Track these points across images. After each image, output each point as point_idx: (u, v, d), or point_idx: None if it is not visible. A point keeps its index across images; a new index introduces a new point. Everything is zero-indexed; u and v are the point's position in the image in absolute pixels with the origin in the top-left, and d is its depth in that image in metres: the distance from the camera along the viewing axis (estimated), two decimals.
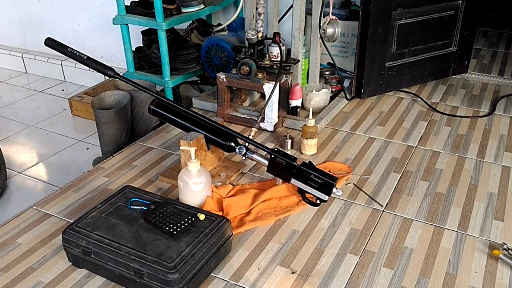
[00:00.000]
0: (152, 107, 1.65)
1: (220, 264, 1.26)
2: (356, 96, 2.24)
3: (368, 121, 2.05)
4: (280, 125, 2.00)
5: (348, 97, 2.21)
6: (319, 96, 2.10)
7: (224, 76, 1.97)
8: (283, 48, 1.95)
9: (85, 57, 1.62)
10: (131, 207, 1.30)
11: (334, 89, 2.29)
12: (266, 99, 1.89)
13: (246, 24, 2.14)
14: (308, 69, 2.24)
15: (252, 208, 1.47)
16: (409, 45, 2.21)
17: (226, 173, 1.63)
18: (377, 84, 2.22)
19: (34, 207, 1.51)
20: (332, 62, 2.20)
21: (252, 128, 1.64)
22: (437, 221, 1.43)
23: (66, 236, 1.22)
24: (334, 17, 1.99)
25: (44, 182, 2.25)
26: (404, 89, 2.32)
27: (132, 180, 1.64)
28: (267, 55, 1.94)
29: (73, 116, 2.91)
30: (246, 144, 1.54)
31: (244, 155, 1.53)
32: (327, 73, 2.37)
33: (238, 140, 1.56)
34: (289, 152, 1.81)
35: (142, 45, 2.35)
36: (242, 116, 2.01)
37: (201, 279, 1.18)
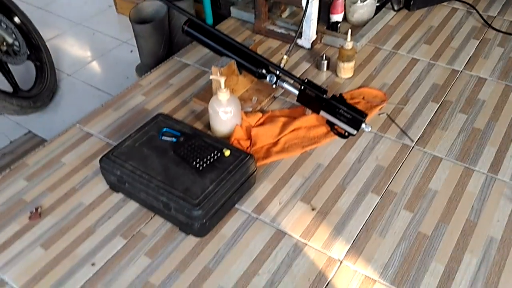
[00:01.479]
0: (185, 27, 1.60)
1: (244, 196, 1.30)
2: (405, 8, 2.06)
3: (414, 38, 1.91)
4: (319, 41, 1.91)
5: (395, 8, 2.04)
6: (363, 8, 1.95)
7: None
8: None
9: None
10: (162, 138, 1.33)
11: None
12: (303, 14, 1.78)
13: None
14: None
15: (280, 137, 1.47)
16: None
17: (258, 97, 1.62)
18: None
19: (77, 124, 1.58)
20: None
21: (284, 56, 1.58)
22: (468, 161, 1.38)
23: (102, 164, 1.29)
24: None
25: (91, 85, 2.32)
26: None
27: (167, 101, 1.66)
28: None
29: (117, 14, 2.88)
30: (277, 72, 1.50)
31: (275, 83, 1.50)
32: None
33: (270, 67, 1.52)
34: (324, 74, 1.75)
35: None
36: (279, 31, 1.92)
37: (224, 213, 1.24)
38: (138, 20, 1.96)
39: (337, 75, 1.73)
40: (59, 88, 2.28)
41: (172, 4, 1.57)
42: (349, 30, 1.65)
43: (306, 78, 1.46)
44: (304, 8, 1.77)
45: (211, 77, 1.44)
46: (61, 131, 1.57)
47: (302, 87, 1.45)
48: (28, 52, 2.15)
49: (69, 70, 2.43)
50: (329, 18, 1.89)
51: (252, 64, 1.53)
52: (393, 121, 1.53)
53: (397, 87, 1.67)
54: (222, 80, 1.38)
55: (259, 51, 1.88)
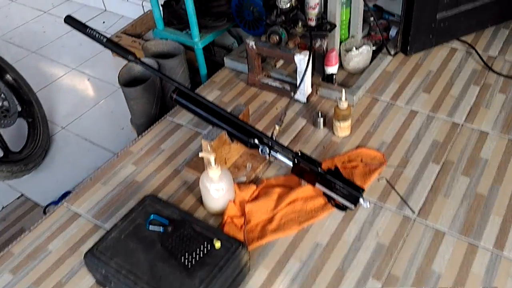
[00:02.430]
0: (174, 95, 1.52)
1: (239, 286, 1.22)
2: (402, 52, 1.97)
3: (412, 86, 1.82)
4: (315, 94, 1.82)
5: (392, 52, 1.95)
6: (359, 56, 1.87)
7: (253, 43, 1.77)
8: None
9: (105, 40, 1.50)
10: (150, 227, 1.26)
11: (378, 40, 2.03)
12: (297, 72, 1.71)
13: None
14: (350, 18, 1.97)
15: (276, 212, 1.39)
16: None
17: (252, 164, 1.54)
18: (426, 38, 1.93)
19: (65, 203, 1.51)
20: (377, 7, 1.90)
21: (276, 126, 1.49)
22: (472, 235, 1.29)
23: (87, 261, 1.21)
24: None
25: (85, 139, 2.25)
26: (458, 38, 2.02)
27: (158, 170, 1.58)
28: (300, 23, 1.69)
29: (113, 56, 2.81)
30: (270, 143, 1.42)
31: (268, 154, 1.42)
32: (371, 18, 2.08)
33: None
34: (321, 132, 1.67)
35: None
36: (274, 85, 1.84)
37: None
38: (129, 80, 1.88)
39: (334, 134, 1.65)
40: (52, 143, 2.22)
41: (159, 73, 1.50)
42: (343, 90, 1.56)
43: (299, 151, 1.38)
44: (299, 66, 1.69)
45: (200, 154, 1.37)
46: (54, 194, 1.50)
47: (296, 160, 1.37)
48: (19, 109, 2.09)
49: (63, 122, 2.37)
50: (324, 70, 1.80)
51: (244, 134, 1.45)
52: (393, 187, 1.44)
53: (396, 145, 1.58)
54: (212, 157, 1.31)
55: (255, 104, 1.81)
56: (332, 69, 1.79)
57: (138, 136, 1.85)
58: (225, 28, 1.99)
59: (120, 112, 2.33)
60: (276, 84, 1.84)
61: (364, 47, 1.88)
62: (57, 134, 2.30)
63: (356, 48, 1.89)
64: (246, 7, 1.91)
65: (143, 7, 3.00)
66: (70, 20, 1.52)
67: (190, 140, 1.69)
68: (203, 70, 2.05)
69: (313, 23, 1.86)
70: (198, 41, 1.95)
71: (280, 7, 1.65)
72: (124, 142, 2.06)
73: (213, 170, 1.32)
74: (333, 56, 1.76)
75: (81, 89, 2.61)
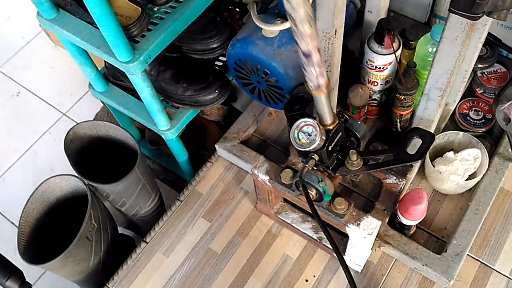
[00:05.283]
0: None
1: None
2: None
3: None
4: (375, 248, 1.06)
5: None
6: (462, 173, 1.05)
7: (265, 178, 0.97)
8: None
9: None
10: None
11: (487, 111, 1.17)
12: (349, 241, 0.94)
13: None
14: None
15: None
16: None
17: None
18: None
19: None
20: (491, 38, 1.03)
21: None
22: None
23: None
24: None
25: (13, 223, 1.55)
26: None
27: None
28: (354, 155, 0.84)
29: (54, 45, 1.95)
30: None
31: None
32: (478, 65, 1.18)
33: None
34: None
35: None
36: (303, 231, 1.07)
37: None
38: (49, 205, 1.12)
39: None
40: None
41: None
42: None
43: None
44: (349, 236, 0.92)
45: None
46: None
47: None
48: None
49: None
50: (396, 216, 1.02)
51: None
52: None
53: None
54: None
55: (269, 264, 1.08)
56: (410, 222, 1.00)
57: None
58: (217, 103, 1.13)
59: (62, 162, 1.38)
60: (306, 230, 1.07)
61: (471, 152, 1.06)
62: None
63: (454, 151, 1.07)
64: (252, 71, 1.05)
65: None
66: None
67: None
68: (181, 157, 1.25)
69: (377, 89, 1.04)
70: (167, 130, 1.13)
71: (302, 149, 0.81)
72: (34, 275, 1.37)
73: None
74: (419, 211, 0.95)
75: (8, 115, 1.82)
